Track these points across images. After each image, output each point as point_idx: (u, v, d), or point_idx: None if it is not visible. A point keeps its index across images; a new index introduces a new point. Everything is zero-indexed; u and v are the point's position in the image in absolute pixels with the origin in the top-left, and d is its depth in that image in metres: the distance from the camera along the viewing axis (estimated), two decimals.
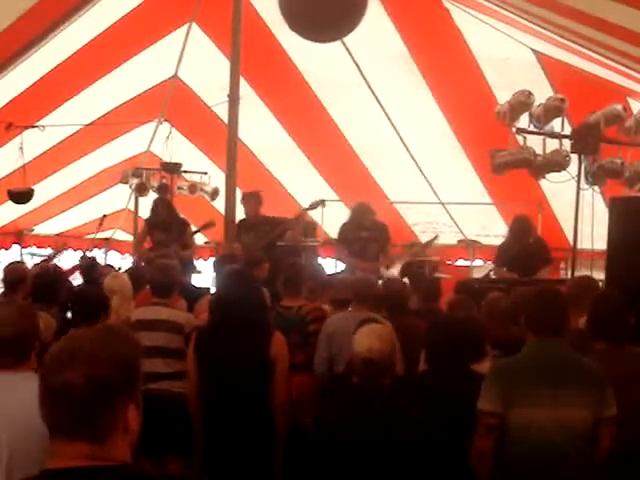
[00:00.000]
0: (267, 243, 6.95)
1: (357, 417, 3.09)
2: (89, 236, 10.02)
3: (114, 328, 1.68)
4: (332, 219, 8.69)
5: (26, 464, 2.28)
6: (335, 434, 3.11)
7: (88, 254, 8.54)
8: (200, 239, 10.03)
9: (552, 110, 6.12)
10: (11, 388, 2.45)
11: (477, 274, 8.25)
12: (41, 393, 1.54)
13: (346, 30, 5.01)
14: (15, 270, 5.41)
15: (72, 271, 7.20)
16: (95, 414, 1.51)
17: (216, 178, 9.40)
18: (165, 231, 7.54)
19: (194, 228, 7.98)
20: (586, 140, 6.07)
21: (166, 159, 9.52)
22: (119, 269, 7.33)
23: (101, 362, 1.52)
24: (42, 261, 8.26)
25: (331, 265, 9.22)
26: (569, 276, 6.23)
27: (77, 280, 7.19)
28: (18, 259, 9.63)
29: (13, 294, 4.98)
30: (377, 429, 3.03)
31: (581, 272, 6.45)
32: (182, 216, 8.05)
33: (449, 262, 9.72)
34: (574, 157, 6.13)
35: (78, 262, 7.84)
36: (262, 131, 9.07)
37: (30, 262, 9.43)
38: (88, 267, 6.77)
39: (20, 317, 2.63)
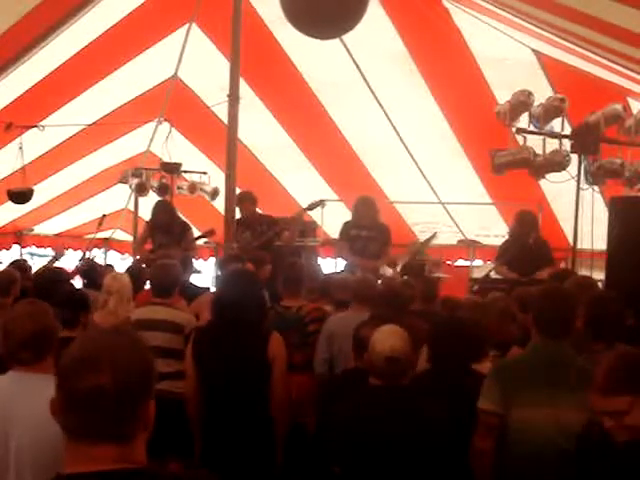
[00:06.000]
0: (263, 242, 6.94)
1: (378, 418, 3.06)
2: (89, 236, 10.01)
3: (126, 329, 1.69)
4: (332, 219, 8.70)
5: (37, 469, 2.30)
6: (353, 435, 3.07)
7: (88, 255, 8.54)
8: (200, 240, 10.04)
9: (552, 110, 6.12)
10: (28, 390, 2.46)
11: (477, 274, 8.24)
12: (65, 397, 1.52)
13: (348, 26, 5.00)
14: (4, 273, 5.51)
15: (74, 273, 7.20)
16: (124, 415, 1.51)
17: (216, 178, 9.40)
18: (166, 233, 7.55)
19: (195, 233, 7.99)
20: (586, 140, 6.07)
21: (166, 159, 9.51)
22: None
23: (126, 364, 1.52)
24: (48, 263, 8.29)
25: (331, 265, 9.23)
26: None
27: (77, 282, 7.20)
28: (18, 258, 9.63)
29: (6, 297, 5.01)
30: (400, 430, 3.01)
31: (581, 272, 6.45)
32: (183, 218, 8.06)
33: (449, 262, 9.72)
34: (574, 157, 6.14)
35: (78, 264, 7.86)
36: (262, 131, 9.08)
37: (30, 262, 9.43)
38: (86, 269, 6.76)
39: (40, 315, 2.67)
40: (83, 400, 1.49)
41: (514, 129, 6.32)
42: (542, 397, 3.08)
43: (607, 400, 2.36)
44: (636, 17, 4.30)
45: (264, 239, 7.01)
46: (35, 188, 8.86)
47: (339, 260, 8.14)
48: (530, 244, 6.82)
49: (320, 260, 8.96)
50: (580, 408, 3.06)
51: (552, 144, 6.24)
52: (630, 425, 2.36)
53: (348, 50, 7.87)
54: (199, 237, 8.16)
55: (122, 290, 5.00)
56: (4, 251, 11.10)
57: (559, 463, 3.02)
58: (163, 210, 7.85)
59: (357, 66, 8.11)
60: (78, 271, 7.08)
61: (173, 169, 9.43)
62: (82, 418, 1.50)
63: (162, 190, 9.36)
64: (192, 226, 8.08)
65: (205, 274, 10.40)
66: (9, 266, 6.65)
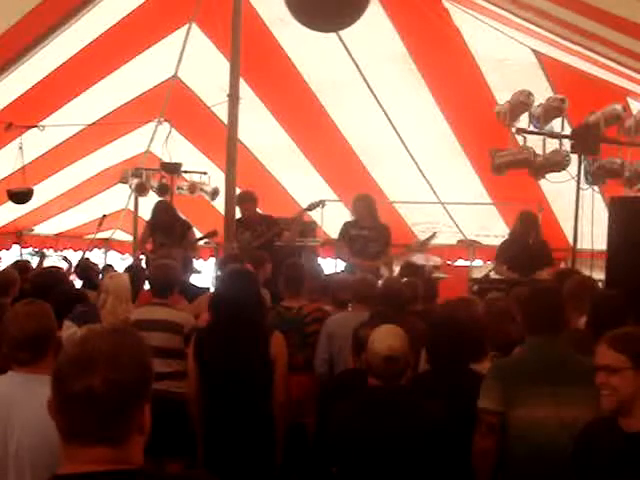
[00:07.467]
0: (263, 242, 6.93)
1: (377, 418, 3.06)
2: (89, 236, 10.02)
3: (125, 329, 1.66)
4: (332, 219, 8.70)
5: (37, 470, 2.30)
6: (352, 435, 3.07)
7: (85, 255, 8.54)
8: (202, 240, 10.04)
9: (552, 110, 6.12)
10: (28, 391, 2.46)
11: (477, 274, 8.25)
12: (59, 398, 1.51)
13: (350, 19, 4.97)
14: (3, 273, 5.54)
15: (70, 274, 7.20)
16: (116, 417, 1.49)
17: (216, 178, 9.40)
18: (167, 233, 7.54)
19: (197, 234, 7.98)
20: (586, 140, 6.07)
21: (166, 159, 9.52)
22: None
23: (122, 365, 1.50)
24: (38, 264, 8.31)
25: (331, 265, 9.22)
26: None
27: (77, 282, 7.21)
28: (20, 259, 9.64)
29: (5, 297, 5.01)
30: (399, 431, 3.00)
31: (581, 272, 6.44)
32: (184, 218, 8.06)
33: (449, 262, 9.73)
34: (574, 157, 6.14)
35: (70, 264, 7.87)
36: (262, 131, 9.07)
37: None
38: (82, 269, 6.77)
39: (40, 315, 2.67)
40: (74, 402, 1.48)
41: (514, 129, 6.32)
42: (542, 395, 3.08)
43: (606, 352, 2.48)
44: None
45: (264, 239, 7.00)
46: (35, 188, 8.86)
47: (339, 260, 8.12)
48: (530, 244, 6.82)
49: (320, 260, 8.95)
50: (581, 404, 3.06)
51: (552, 144, 6.24)
52: (616, 388, 2.44)
53: (348, 50, 7.87)
54: (200, 238, 8.15)
55: (119, 290, 4.98)
56: (4, 251, 11.11)
57: (562, 461, 3.02)
58: (164, 210, 7.85)
59: (357, 66, 8.11)
60: (75, 272, 7.09)
61: (173, 169, 9.43)
62: (74, 419, 1.49)
63: (162, 190, 9.36)
64: (193, 226, 8.08)
65: (205, 274, 10.40)
66: (10, 266, 6.66)
